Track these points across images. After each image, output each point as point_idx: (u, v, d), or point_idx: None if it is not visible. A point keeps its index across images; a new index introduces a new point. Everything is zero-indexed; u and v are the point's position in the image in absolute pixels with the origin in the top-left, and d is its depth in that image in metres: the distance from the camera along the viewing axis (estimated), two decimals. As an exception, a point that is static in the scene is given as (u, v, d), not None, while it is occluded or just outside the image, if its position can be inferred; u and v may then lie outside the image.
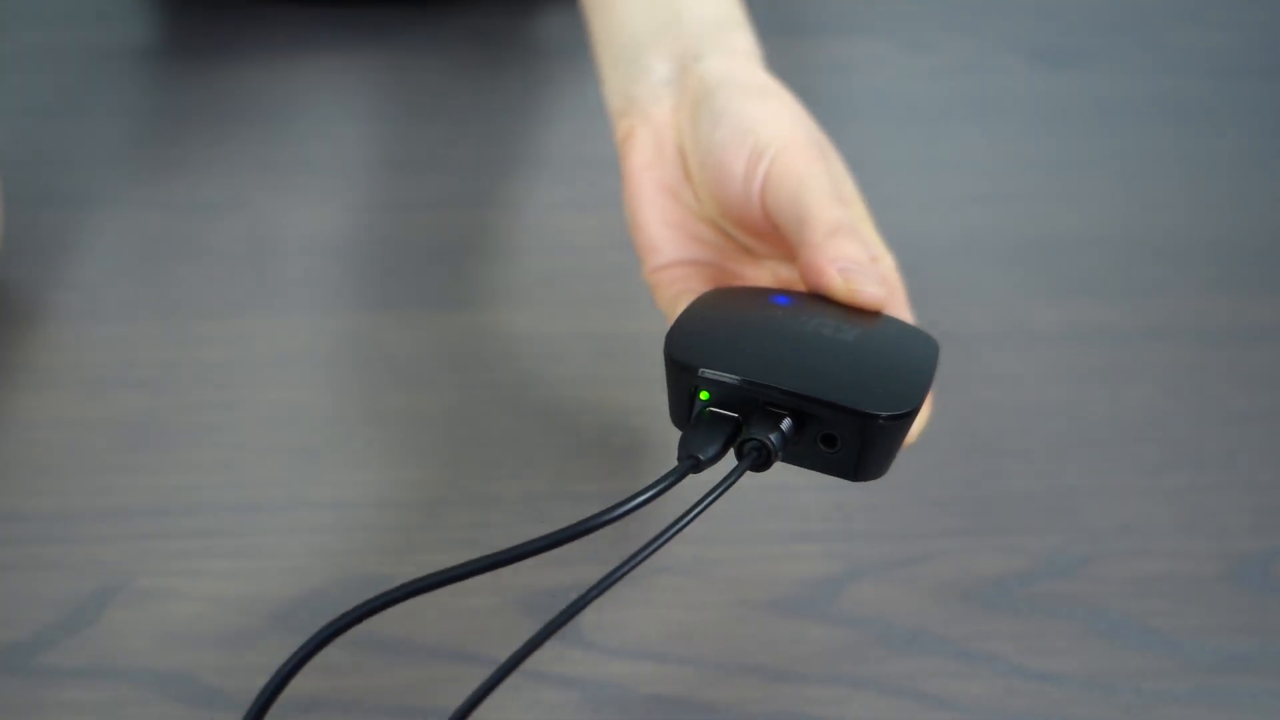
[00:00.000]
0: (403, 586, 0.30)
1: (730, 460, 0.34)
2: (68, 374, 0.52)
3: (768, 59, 0.46)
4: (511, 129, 0.68)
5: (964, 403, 0.52)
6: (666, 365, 0.35)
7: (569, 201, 0.63)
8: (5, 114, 0.68)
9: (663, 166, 0.43)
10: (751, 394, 0.34)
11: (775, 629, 0.44)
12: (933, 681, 0.42)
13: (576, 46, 0.70)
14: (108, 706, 0.41)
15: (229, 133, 0.67)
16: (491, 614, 0.44)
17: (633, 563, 0.31)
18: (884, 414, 0.33)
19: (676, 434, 0.35)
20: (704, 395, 0.34)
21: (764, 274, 0.43)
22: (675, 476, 0.33)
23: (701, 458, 0.33)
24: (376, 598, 0.30)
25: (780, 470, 0.48)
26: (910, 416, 0.33)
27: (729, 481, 0.33)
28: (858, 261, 0.38)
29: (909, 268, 0.49)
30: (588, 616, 0.44)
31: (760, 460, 0.34)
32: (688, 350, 0.35)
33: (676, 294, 0.42)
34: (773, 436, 0.33)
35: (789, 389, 0.33)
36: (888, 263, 0.43)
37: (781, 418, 0.33)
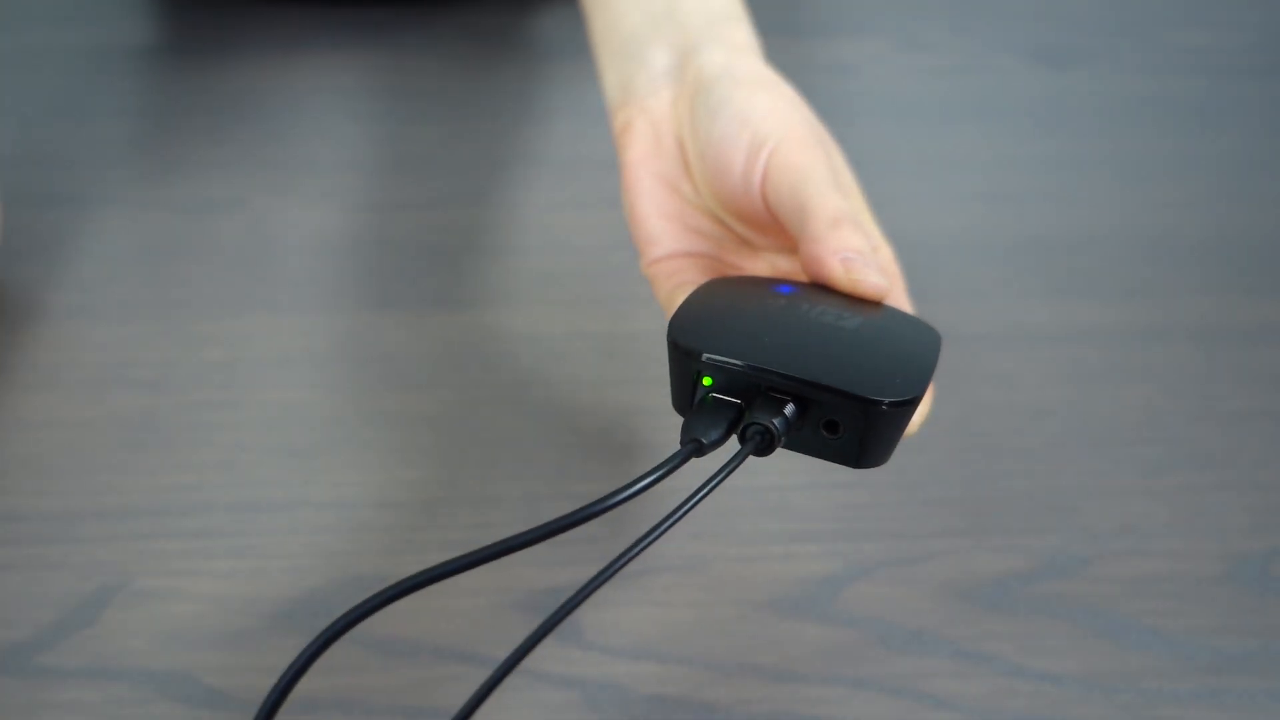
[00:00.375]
0: (411, 578, 0.30)
1: (732, 447, 0.34)
2: (68, 374, 0.52)
3: (768, 58, 0.46)
4: (511, 128, 0.68)
5: (964, 403, 0.52)
6: (670, 351, 0.35)
7: (569, 201, 0.63)
8: (5, 114, 0.68)
9: (661, 158, 0.43)
10: (755, 379, 0.34)
11: (775, 629, 0.44)
12: (933, 681, 0.42)
13: (576, 46, 0.70)
14: (107, 707, 0.41)
15: (229, 133, 0.67)
16: (492, 614, 0.44)
17: (635, 550, 0.31)
18: (887, 400, 0.33)
19: (677, 433, 0.35)
20: (707, 381, 0.35)
21: (762, 266, 0.43)
22: (678, 460, 0.33)
23: (704, 441, 0.33)
24: (385, 590, 0.30)
25: (780, 470, 0.48)
26: (913, 404, 0.34)
27: (733, 465, 0.33)
28: (859, 251, 0.38)
29: (909, 267, 0.50)
30: (588, 616, 0.44)
31: (763, 445, 0.34)
32: (691, 336, 0.35)
33: (675, 286, 0.42)
34: (776, 421, 0.33)
35: (793, 374, 0.33)
36: (887, 253, 0.43)
37: (785, 403, 0.34)
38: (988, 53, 0.76)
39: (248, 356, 0.54)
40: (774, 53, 0.51)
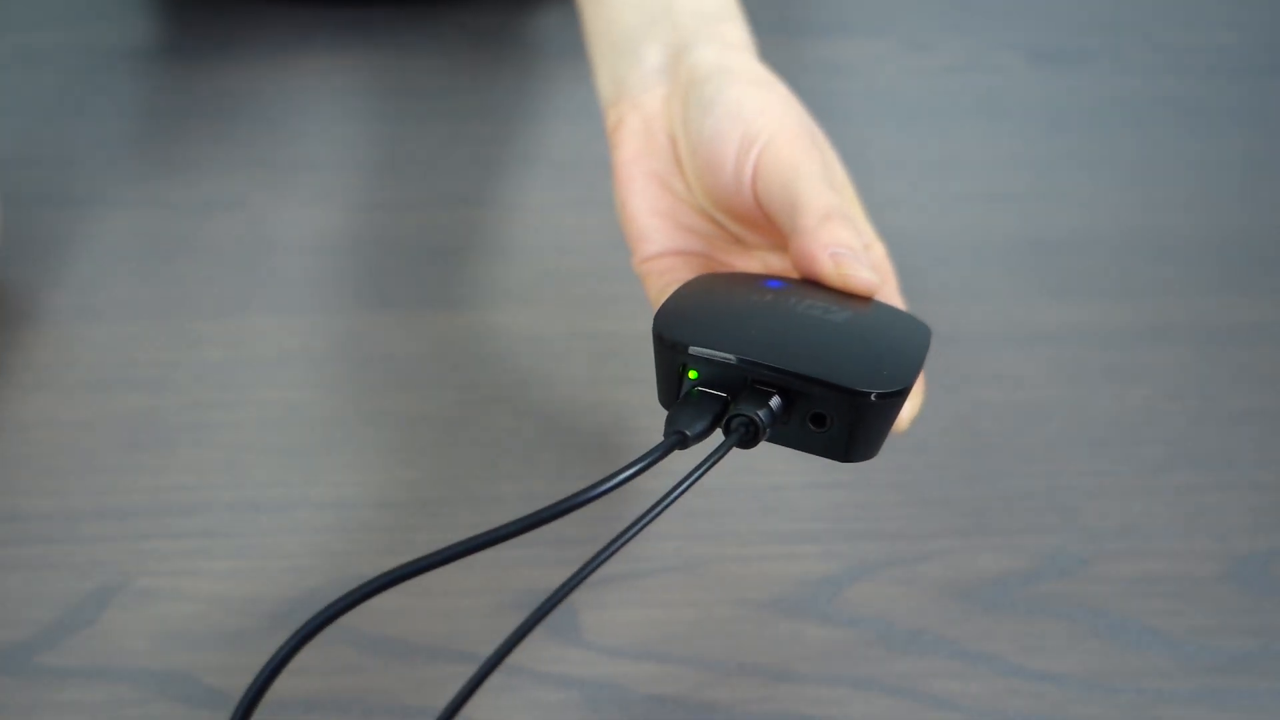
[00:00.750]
0: (394, 570, 0.30)
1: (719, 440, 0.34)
2: (68, 374, 0.52)
3: (768, 58, 0.46)
4: (511, 129, 0.68)
5: (964, 402, 0.52)
6: (655, 344, 0.35)
7: (569, 201, 0.63)
8: (5, 114, 0.68)
9: (653, 156, 0.43)
10: (740, 372, 0.34)
11: (775, 629, 0.44)
12: (933, 681, 0.42)
13: (575, 46, 0.70)
14: (107, 706, 0.41)
15: (229, 133, 0.67)
16: (490, 614, 0.44)
17: (618, 543, 0.31)
18: (875, 392, 0.33)
19: (677, 433, 0.35)
20: (692, 374, 0.34)
21: (754, 263, 0.43)
22: (660, 451, 0.32)
23: (688, 433, 0.33)
24: (366, 583, 0.30)
25: (780, 470, 0.48)
26: (901, 396, 0.33)
27: (716, 457, 0.33)
28: (850, 247, 0.38)
29: (910, 267, 0.50)
30: (587, 616, 0.44)
31: (748, 437, 0.33)
32: (676, 329, 0.35)
33: (666, 284, 0.42)
34: (760, 413, 0.33)
35: (778, 366, 0.33)
36: (879, 250, 0.43)
37: (770, 395, 0.33)
38: (988, 53, 0.76)
39: (248, 356, 0.54)
40: (773, 52, 0.51)
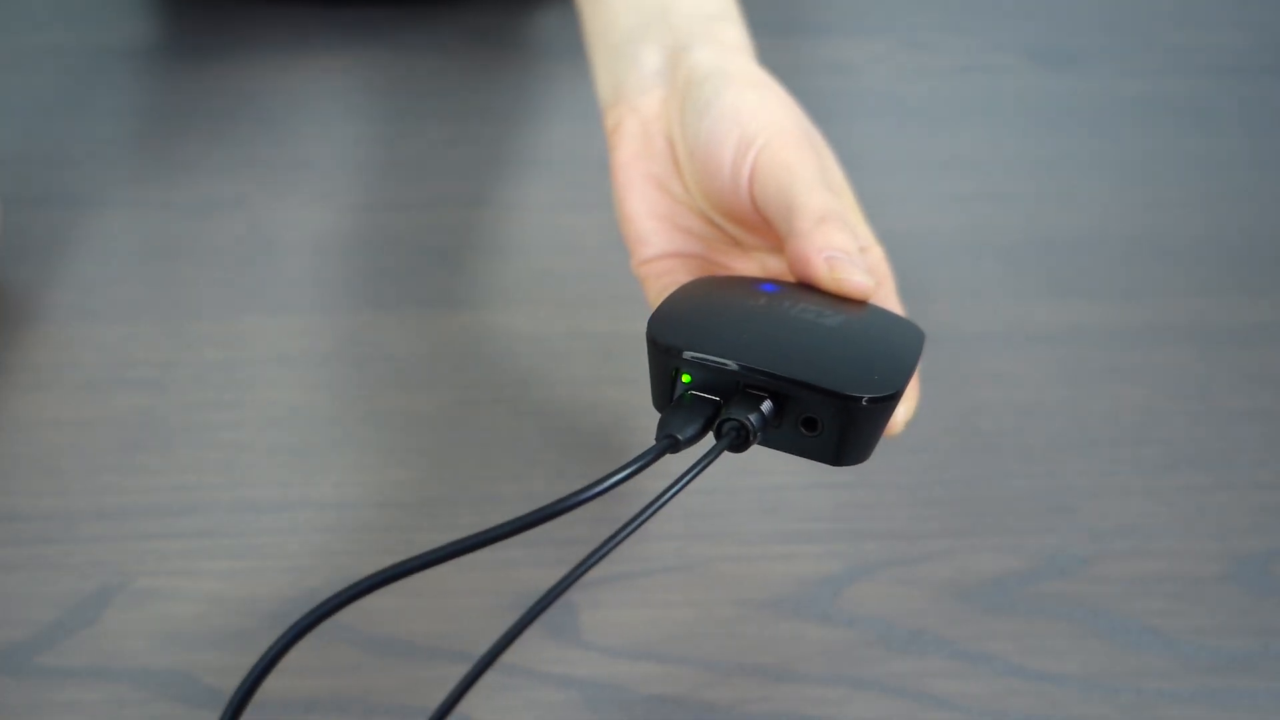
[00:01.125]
0: (388, 569, 0.30)
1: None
2: (68, 374, 0.52)
3: (768, 58, 0.46)
4: (511, 129, 0.68)
5: (964, 402, 0.52)
6: (648, 348, 0.35)
7: (568, 201, 0.63)
8: (5, 114, 0.68)
9: (651, 158, 0.43)
10: (732, 376, 0.34)
11: (775, 629, 0.44)
12: (933, 681, 0.42)
13: (575, 46, 0.70)
14: (107, 706, 0.41)
15: (229, 133, 0.67)
16: (490, 614, 0.44)
17: (605, 548, 0.31)
18: (866, 396, 0.33)
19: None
20: (686, 378, 0.35)
21: (752, 265, 0.43)
22: (652, 455, 0.32)
23: (680, 437, 0.33)
24: (359, 581, 0.30)
25: (780, 470, 0.48)
26: (893, 400, 0.33)
27: (707, 461, 0.33)
28: (845, 250, 0.38)
29: (909, 267, 0.50)
30: (587, 616, 0.44)
31: (738, 440, 0.34)
32: (669, 333, 0.35)
33: (665, 286, 0.42)
34: (752, 417, 0.33)
35: (770, 370, 0.33)
36: (877, 254, 0.43)
37: (761, 399, 0.34)
38: (988, 53, 0.76)
39: (248, 356, 0.54)
40: (773, 52, 0.51)
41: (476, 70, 0.73)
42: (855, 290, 0.37)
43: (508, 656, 0.42)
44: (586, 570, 0.30)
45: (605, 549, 0.31)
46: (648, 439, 0.34)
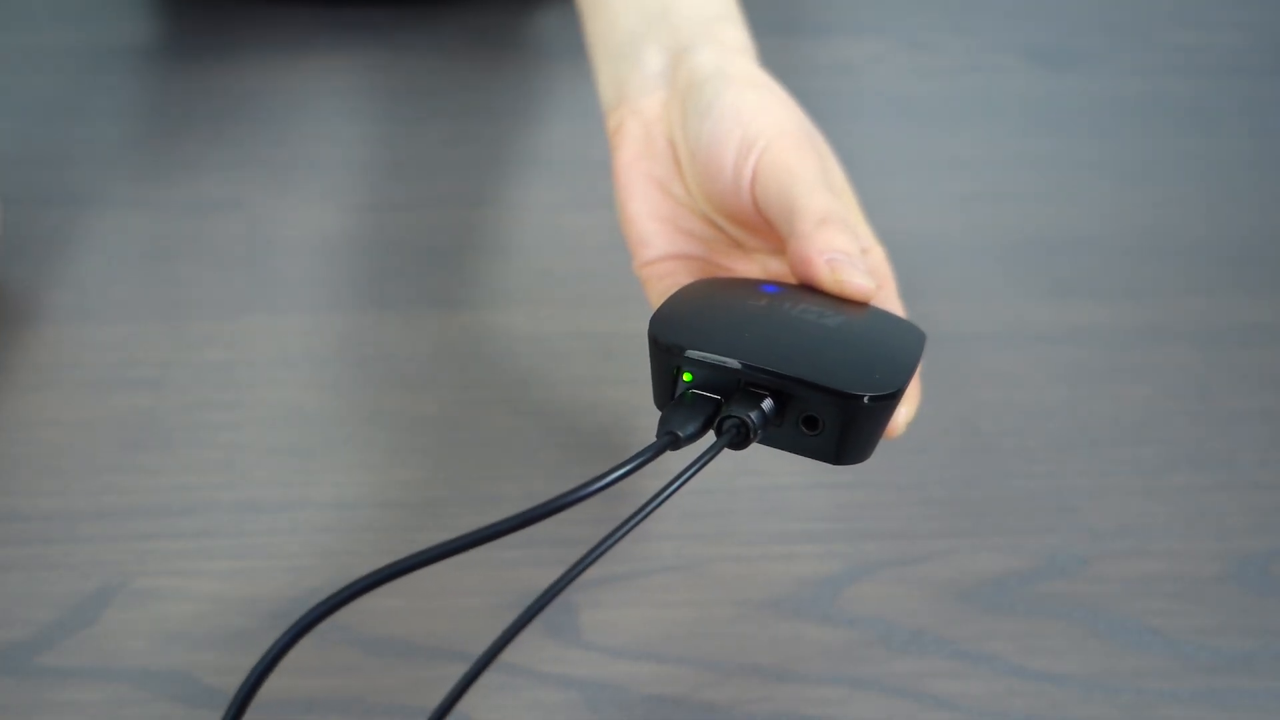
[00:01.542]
0: (386, 568, 0.30)
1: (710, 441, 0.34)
2: (68, 374, 0.52)
3: (768, 58, 0.46)
4: (511, 129, 0.68)
5: (964, 402, 0.52)
6: (650, 347, 0.35)
7: (569, 201, 0.63)
8: (5, 114, 0.68)
9: (652, 159, 0.43)
10: (733, 375, 0.34)
11: (775, 629, 0.44)
12: (933, 681, 0.42)
13: (575, 46, 0.70)
14: (107, 706, 0.41)
15: (229, 133, 0.67)
16: (490, 614, 0.44)
17: (605, 545, 0.31)
18: (868, 395, 0.33)
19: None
20: (687, 377, 0.35)
21: (754, 267, 0.43)
22: (652, 452, 0.33)
23: (680, 434, 0.33)
24: (358, 580, 0.30)
25: (780, 470, 0.48)
26: (894, 399, 0.34)
27: (707, 458, 0.33)
28: (846, 252, 0.38)
29: (909, 267, 0.50)
30: (587, 616, 0.44)
31: (739, 438, 0.34)
32: (671, 331, 0.35)
33: (666, 288, 0.42)
34: (752, 414, 0.33)
35: (771, 369, 0.33)
36: (878, 255, 0.43)
37: (762, 397, 0.34)
38: (987, 53, 0.76)
39: (248, 356, 0.54)
40: (774, 52, 0.51)
41: (476, 70, 0.73)
42: (856, 292, 0.37)
43: (508, 656, 0.42)
44: (586, 568, 0.31)
45: (604, 546, 0.31)
46: (648, 438, 0.34)
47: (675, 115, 0.43)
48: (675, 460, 0.34)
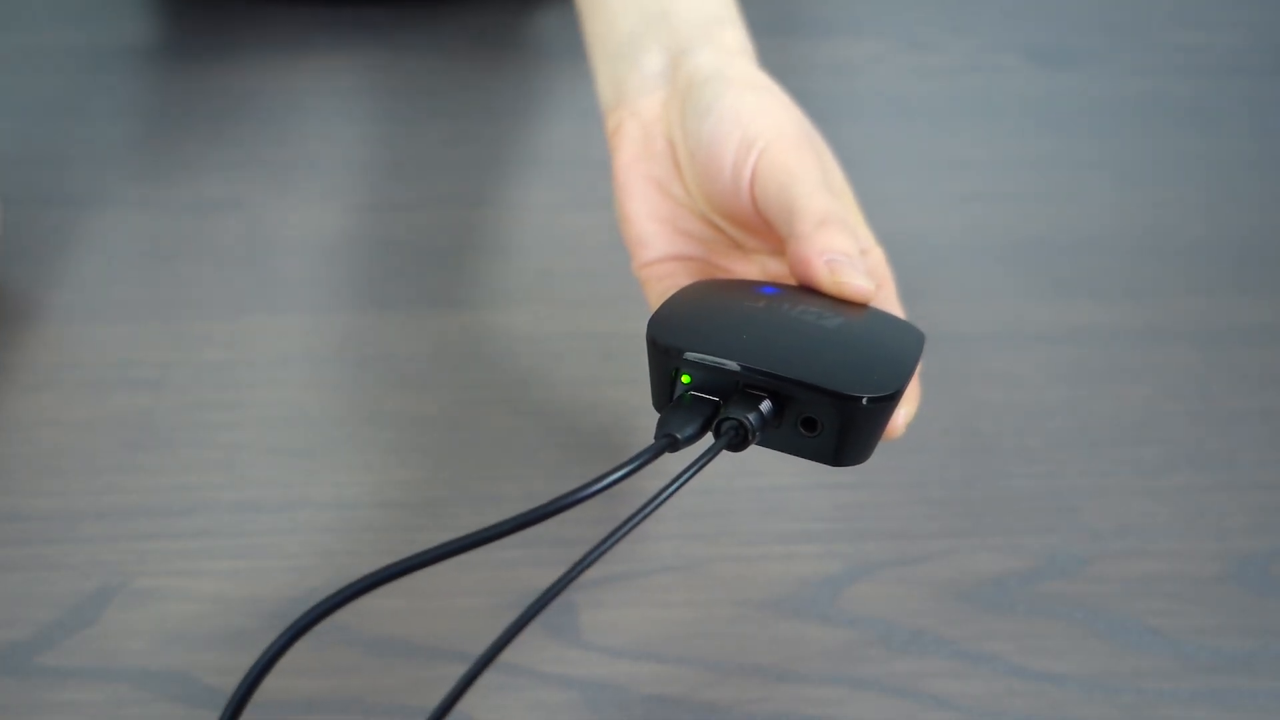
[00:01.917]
0: (385, 569, 0.30)
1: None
2: (68, 374, 0.52)
3: (767, 58, 0.46)
4: (511, 129, 0.68)
5: (964, 402, 0.52)
6: (648, 348, 0.35)
7: (569, 201, 0.63)
8: (5, 114, 0.68)
9: (651, 160, 0.43)
10: (732, 376, 0.34)
11: (775, 629, 0.44)
12: (933, 681, 0.42)
13: (575, 46, 0.70)
14: (107, 706, 0.41)
15: (229, 133, 0.67)
16: (490, 614, 0.44)
17: (603, 547, 0.31)
18: (866, 396, 0.33)
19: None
20: (685, 379, 0.35)
21: (753, 268, 0.43)
22: (650, 454, 0.33)
23: (678, 436, 0.33)
24: (356, 581, 0.30)
25: (780, 470, 0.48)
26: (893, 400, 0.34)
27: (705, 460, 0.33)
28: (845, 253, 0.38)
29: (909, 268, 0.50)
30: (587, 616, 0.44)
31: (737, 440, 0.34)
32: (669, 333, 0.35)
33: (665, 289, 0.42)
34: (750, 416, 0.33)
35: (770, 371, 0.33)
36: (877, 256, 0.43)
37: (760, 399, 0.34)
38: (988, 53, 0.76)
39: (248, 356, 0.54)
40: (774, 52, 0.51)
41: (476, 70, 0.73)
42: (855, 293, 0.37)
43: (508, 656, 0.42)
44: (584, 569, 0.30)
45: (602, 549, 0.31)
46: (648, 439, 0.34)
47: (674, 116, 0.43)
48: (674, 461, 0.34)
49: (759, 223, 0.41)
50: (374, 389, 0.52)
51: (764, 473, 0.48)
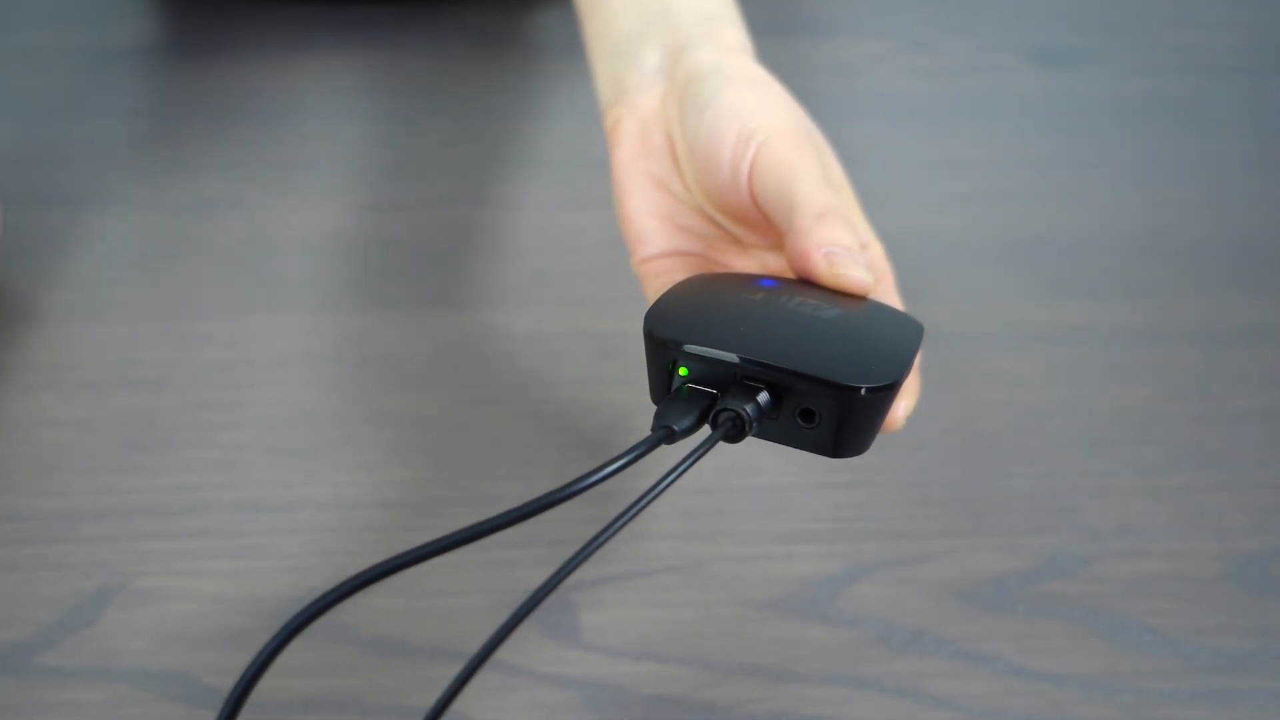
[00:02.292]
0: (380, 565, 0.30)
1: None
2: (68, 374, 0.52)
3: (767, 58, 0.46)
4: (511, 128, 0.68)
5: (964, 402, 0.52)
6: (646, 342, 0.35)
7: (568, 201, 0.63)
8: (5, 114, 0.68)
9: (650, 156, 0.43)
10: (729, 368, 0.34)
11: (775, 629, 0.44)
12: (933, 681, 0.42)
13: (575, 46, 0.70)
14: (107, 706, 0.41)
15: (229, 133, 0.67)
16: (488, 614, 0.44)
17: (600, 540, 0.31)
18: (865, 387, 0.33)
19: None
20: (683, 371, 0.35)
21: (752, 264, 0.43)
22: (646, 446, 0.32)
23: (675, 428, 0.33)
24: (352, 578, 0.30)
25: (780, 470, 0.48)
26: (891, 390, 0.33)
27: (702, 450, 0.33)
28: (845, 246, 0.37)
29: (909, 267, 0.50)
30: (587, 616, 0.44)
31: (734, 431, 0.33)
32: (666, 326, 0.35)
33: (664, 285, 0.41)
34: (747, 407, 0.33)
35: (767, 362, 0.33)
36: (876, 250, 0.43)
37: (758, 391, 0.34)
38: (988, 53, 0.76)
39: (248, 356, 0.54)
40: (773, 52, 0.51)
41: (476, 70, 0.73)
42: (854, 285, 0.37)
43: (507, 657, 0.42)
44: (580, 562, 0.30)
45: (598, 542, 0.31)
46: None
47: (673, 111, 0.43)
48: (673, 456, 0.34)
49: (758, 218, 0.41)
50: (374, 389, 0.52)
51: (764, 472, 0.48)
